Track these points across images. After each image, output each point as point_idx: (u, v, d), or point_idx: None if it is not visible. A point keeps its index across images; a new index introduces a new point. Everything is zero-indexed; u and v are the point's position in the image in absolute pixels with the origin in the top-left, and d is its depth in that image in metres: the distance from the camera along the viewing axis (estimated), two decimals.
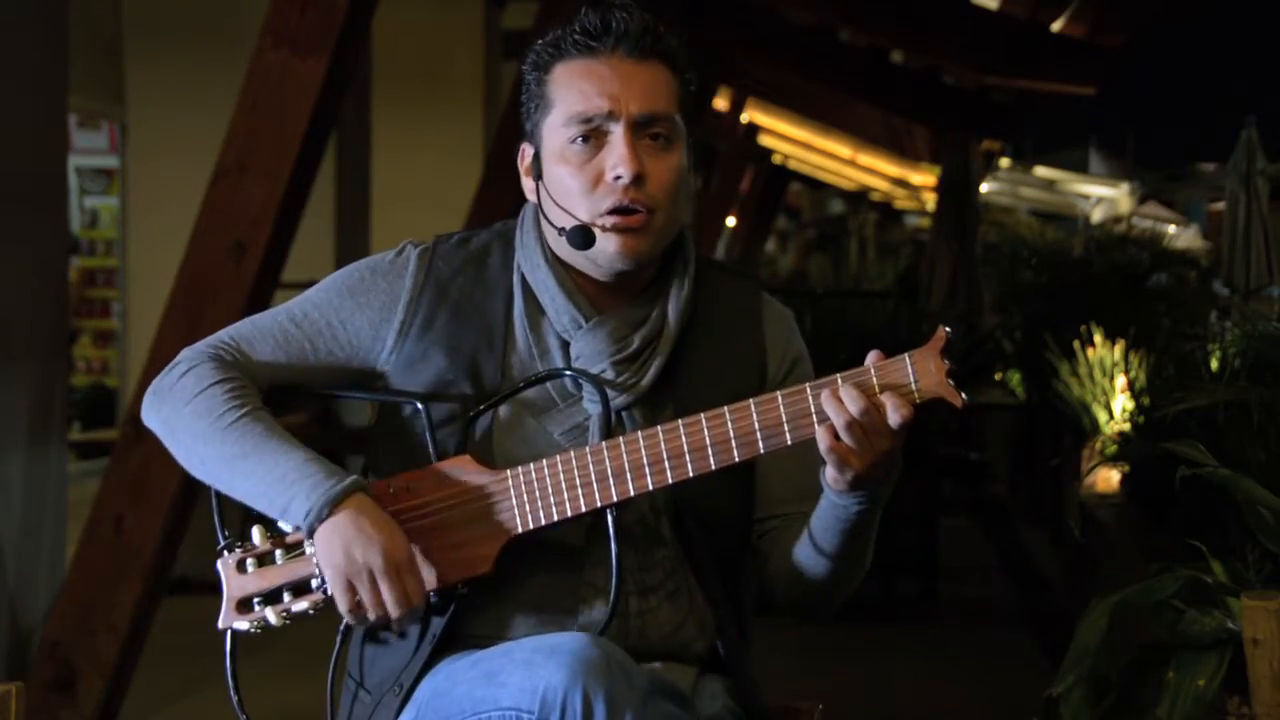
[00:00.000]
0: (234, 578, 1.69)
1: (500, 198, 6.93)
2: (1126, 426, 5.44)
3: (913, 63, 10.45)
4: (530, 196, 1.80)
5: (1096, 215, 17.23)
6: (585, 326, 1.73)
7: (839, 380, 1.59)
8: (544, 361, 1.75)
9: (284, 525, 1.69)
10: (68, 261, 4.64)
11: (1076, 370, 6.43)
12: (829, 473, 1.61)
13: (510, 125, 7.11)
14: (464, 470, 1.67)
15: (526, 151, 1.79)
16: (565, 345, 1.75)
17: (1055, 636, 4.88)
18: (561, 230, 1.72)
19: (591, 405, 1.72)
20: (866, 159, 15.71)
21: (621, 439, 1.64)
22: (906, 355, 1.60)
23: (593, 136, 1.70)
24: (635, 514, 1.71)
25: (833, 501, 1.65)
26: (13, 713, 1.80)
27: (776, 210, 22.93)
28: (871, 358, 1.61)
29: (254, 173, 3.66)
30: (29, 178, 4.06)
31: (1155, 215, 16.25)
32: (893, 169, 15.76)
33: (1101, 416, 6.20)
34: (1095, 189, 18.59)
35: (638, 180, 1.69)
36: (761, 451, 1.62)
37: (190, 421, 1.68)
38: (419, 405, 1.71)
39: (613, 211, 1.69)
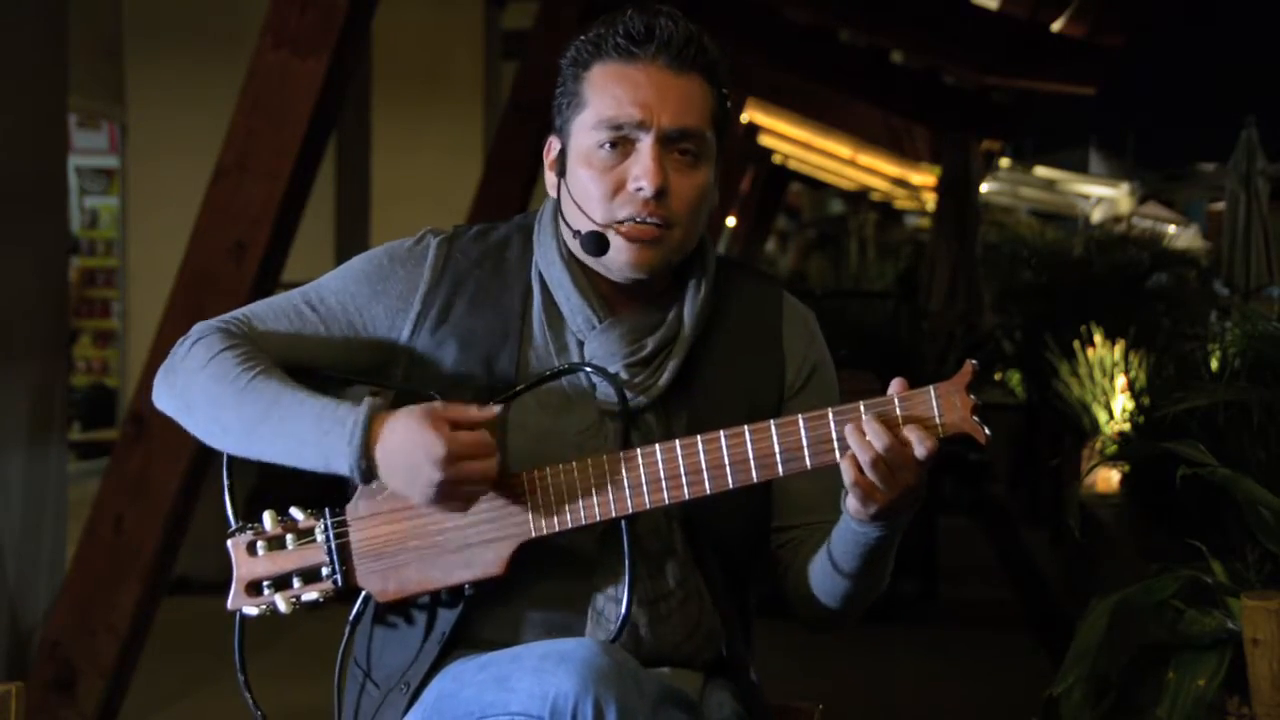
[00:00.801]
0: (244, 560, 1.69)
1: (500, 198, 6.94)
2: (1126, 426, 5.43)
3: (913, 63, 10.46)
4: (551, 191, 1.78)
5: (1096, 215, 17.22)
6: (599, 328, 1.73)
7: (862, 410, 1.58)
8: (561, 358, 1.74)
9: (295, 511, 1.69)
10: (68, 261, 4.64)
11: (1076, 370, 6.43)
12: (851, 504, 1.60)
13: (510, 125, 7.12)
14: None
15: (553, 145, 1.77)
16: (582, 345, 1.74)
17: (1055, 636, 4.88)
18: (576, 233, 1.71)
19: (606, 405, 1.71)
20: (866, 159, 15.70)
21: (640, 451, 1.63)
22: (931, 388, 1.59)
23: (620, 143, 1.68)
24: (649, 524, 1.70)
25: (853, 529, 1.64)
26: (13, 713, 1.80)
27: (776, 210, 22.94)
28: (895, 386, 1.59)
29: (254, 173, 3.65)
30: (29, 178, 4.05)
31: (1155, 215, 16.24)
32: (893, 169, 15.75)
33: (1101, 416, 6.21)
34: (1095, 189, 18.58)
35: (659, 195, 1.67)
36: (780, 474, 1.62)
37: (206, 387, 1.66)
38: (434, 395, 1.69)
39: (628, 221, 1.68)
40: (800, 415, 1.61)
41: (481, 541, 1.66)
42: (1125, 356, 6.13)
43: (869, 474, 1.56)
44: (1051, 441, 7.34)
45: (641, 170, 1.67)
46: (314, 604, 1.68)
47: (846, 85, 10.47)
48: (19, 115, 4.01)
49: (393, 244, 1.81)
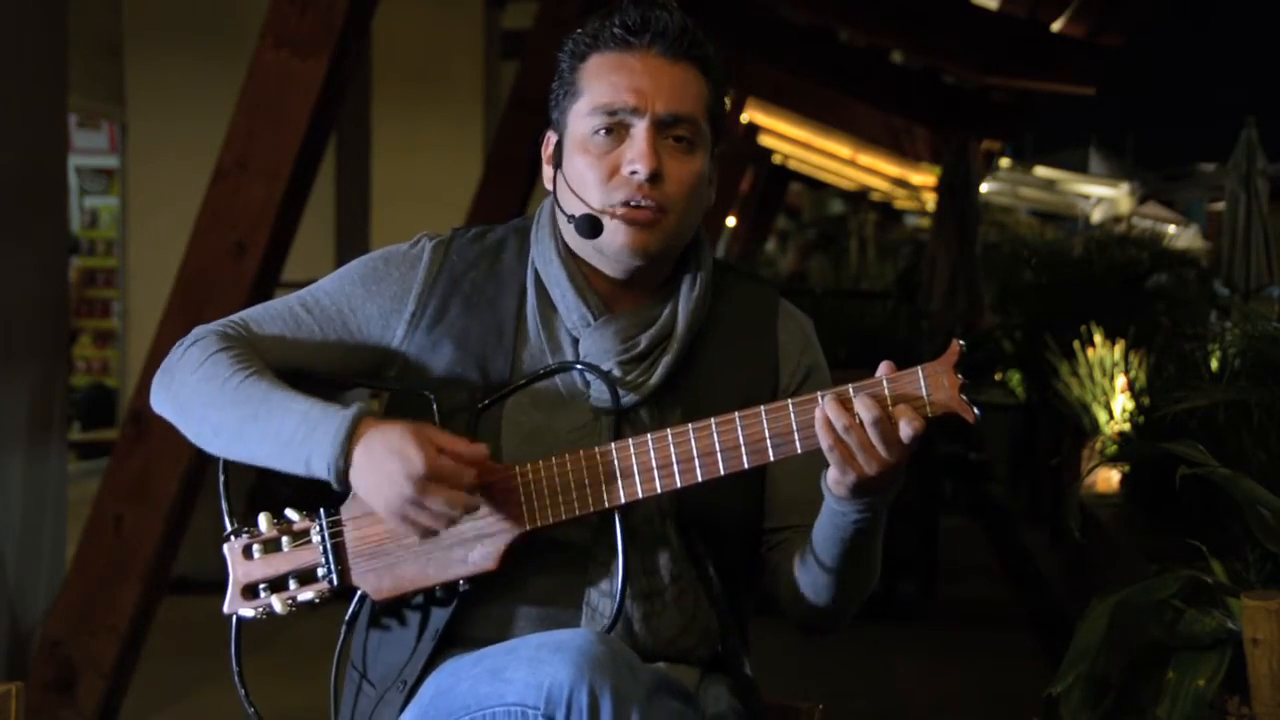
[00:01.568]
0: (239, 563, 1.70)
1: (500, 198, 6.94)
2: (1126, 426, 5.44)
3: (913, 63, 10.46)
4: (548, 184, 1.79)
5: (1096, 215, 17.23)
6: (593, 324, 1.73)
7: (850, 390, 1.59)
8: (556, 357, 1.74)
9: (290, 512, 1.69)
10: (68, 261, 4.64)
11: (1076, 370, 6.42)
12: (831, 475, 1.60)
13: (510, 125, 7.12)
14: None
15: (550, 139, 1.78)
16: (576, 343, 1.75)
17: (1055, 636, 4.88)
18: (571, 217, 1.72)
19: (600, 405, 1.71)
20: (866, 159, 15.70)
21: (631, 441, 1.64)
22: (920, 368, 1.60)
23: (615, 129, 1.70)
24: (642, 516, 1.71)
25: (832, 509, 1.64)
26: (13, 713, 1.80)
27: (776, 210, 22.94)
28: (883, 369, 1.60)
29: (254, 173, 3.66)
30: (29, 178, 4.05)
31: (1155, 215, 16.25)
32: (893, 169, 15.76)
33: (1101, 416, 6.20)
34: (1095, 189, 18.58)
35: (654, 178, 1.68)
36: (772, 459, 1.62)
37: (199, 387, 1.67)
38: (429, 396, 1.70)
39: (624, 205, 1.69)
40: (790, 400, 1.61)
41: (475, 537, 1.66)
42: (1125, 356, 6.13)
43: (854, 447, 1.56)
44: (1051, 441, 7.34)
45: (636, 154, 1.68)
46: (310, 605, 1.69)
47: (846, 85, 10.47)
48: (19, 115, 4.01)
49: (389, 248, 1.83)
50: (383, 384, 1.77)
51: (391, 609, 1.73)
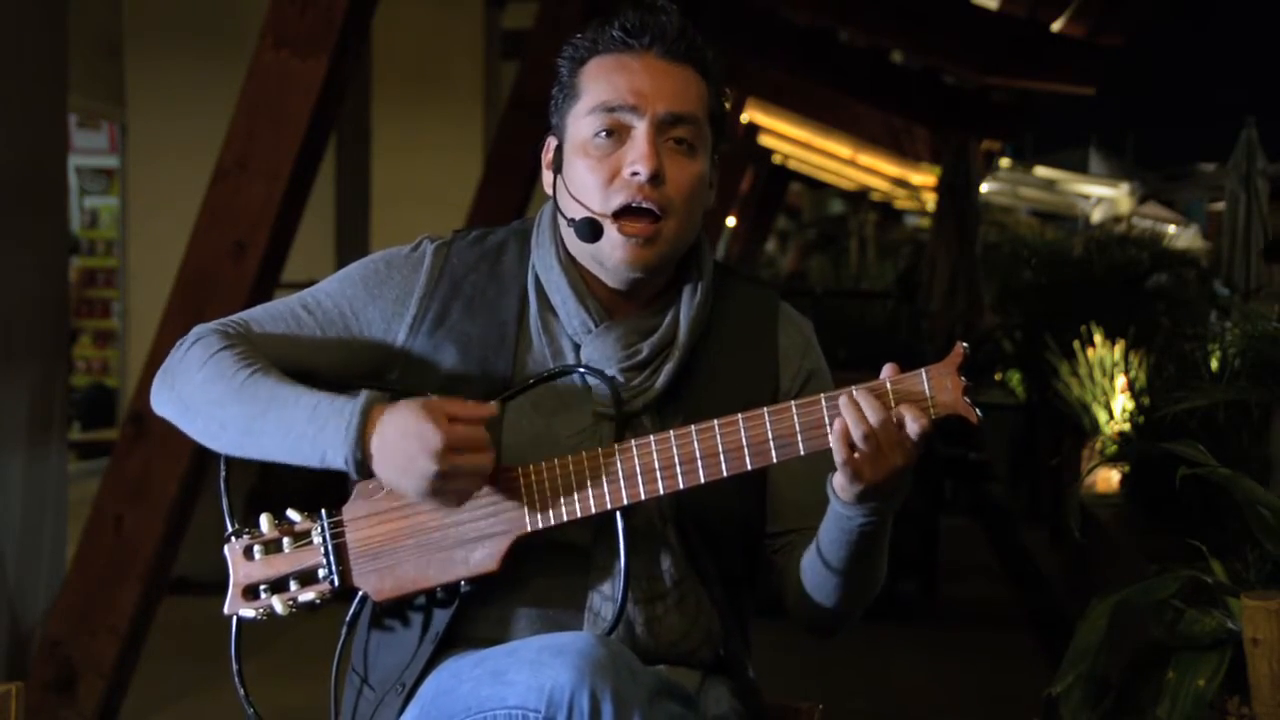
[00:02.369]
0: (240, 564, 1.70)
1: (500, 198, 6.93)
2: (1126, 426, 5.44)
3: (913, 63, 10.46)
4: (548, 189, 1.79)
5: (1096, 215, 17.23)
6: (594, 331, 1.73)
7: (855, 393, 1.59)
8: (557, 361, 1.74)
9: (291, 513, 1.69)
10: (68, 261, 4.64)
11: (1076, 370, 6.42)
12: (838, 480, 1.60)
13: (510, 125, 7.12)
14: None
15: (550, 144, 1.78)
16: (578, 348, 1.74)
17: (1055, 636, 4.88)
18: (571, 221, 1.71)
19: (601, 410, 1.71)
20: (866, 159, 15.71)
21: (633, 442, 1.64)
22: (923, 370, 1.60)
23: (616, 131, 1.70)
24: (644, 521, 1.70)
25: (838, 513, 1.64)
26: (13, 713, 1.80)
27: (776, 210, 22.94)
28: (887, 371, 1.60)
29: (254, 173, 3.66)
30: (29, 178, 4.05)
31: (1155, 215, 16.24)
32: (893, 169, 15.76)
33: (1101, 416, 6.20)
34: (1095, 189, 18.58)
35: (655, 179, 1.68)
36: (774, 460, 1.62)
37: (204, 386, 1.67)
38: (431, 398, 1.69)
39: (624, 210, 1.68)
40: (793, 402, 1.61)
41: (476, 538, 1.66)
42: (1125, 356, 6.13)
43: (860, 447, 1.56)
44: (1051, 441, 7.34)
45: (637, 155, 1.68)
46: (311, 605, 1.68)
47: (846, 85, 10.48)
48: (19, 115, 4.01)
49: (390, 250, 1.82)
50: (385, 386, 1.77)
51: (392, 610, 1.72)
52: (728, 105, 1.79)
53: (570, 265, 1.76)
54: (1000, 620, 5.87)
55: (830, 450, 1.59)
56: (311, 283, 1.84)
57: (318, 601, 1.68)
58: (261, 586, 1.69)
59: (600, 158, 1.70)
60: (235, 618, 1.71)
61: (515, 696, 1.51)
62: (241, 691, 1.73)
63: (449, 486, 1.58)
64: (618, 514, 1.65)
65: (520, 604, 1.69)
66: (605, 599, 1.68)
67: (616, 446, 1.64)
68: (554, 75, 1.77)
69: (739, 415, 1.62)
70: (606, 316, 1.74)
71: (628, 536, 1.65)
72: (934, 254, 9.84)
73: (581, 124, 1.71)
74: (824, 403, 1.60)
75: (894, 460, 1.57)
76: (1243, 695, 2.33)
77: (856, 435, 1.56)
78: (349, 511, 1.70)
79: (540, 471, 1.65)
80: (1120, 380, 6.08)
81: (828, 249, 21.86)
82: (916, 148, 12.40)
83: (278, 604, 1.68)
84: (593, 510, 1.64)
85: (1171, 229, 13.51)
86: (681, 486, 1.63)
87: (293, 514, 1.70)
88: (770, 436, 1.61)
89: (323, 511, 1.70)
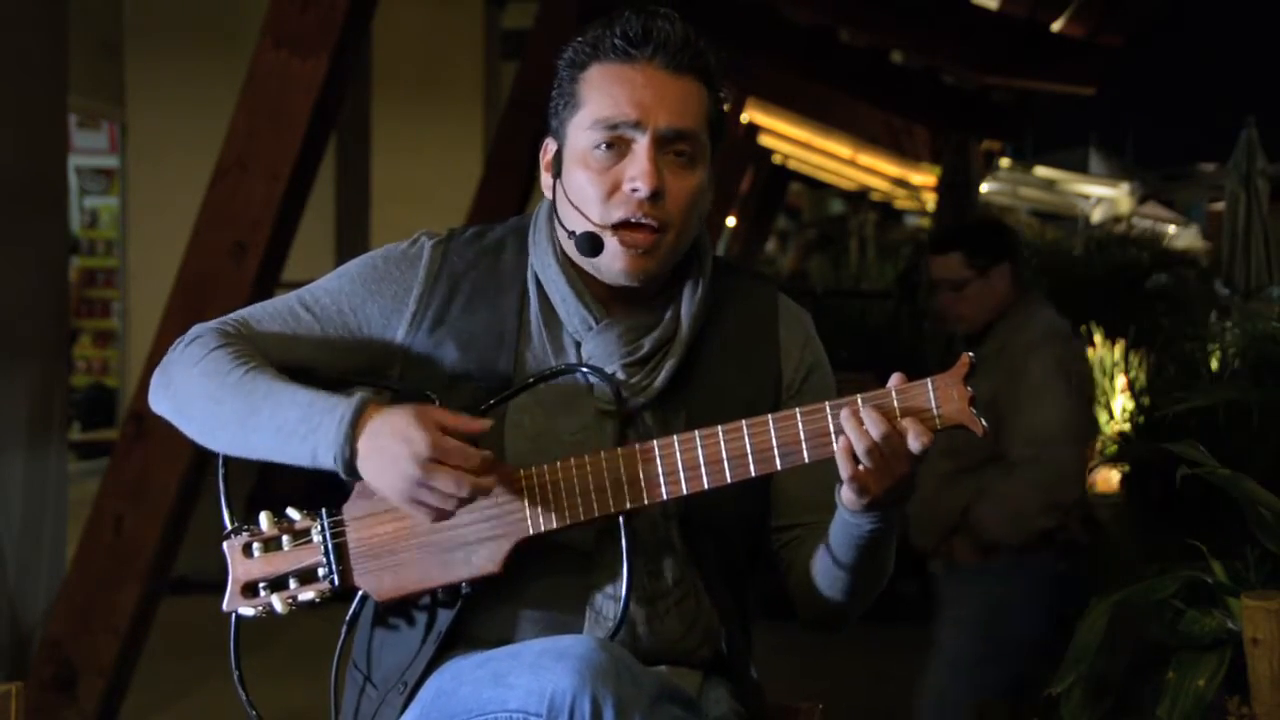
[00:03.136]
0: (239, 561, 1.70)
1: (500, 198, 6.93)
2: (1126, 426, 5.44)
3: (913, 63, 10.45)
4: (547, 193, 1.78)
5: (1096, 215, 17.24)
6: (595, 329, 1.73)
7: (860, 401, 1.59)
8: (558, 359, 1.74)
9: (291, 511, 1.69)
10: (68, 262, 4.64)
11: None
12: (845, 493, 1.60)
13: (510, 125, 7.12)
14: None
15: (549, 147, 1.77)
16: (578, 346, 1.74)
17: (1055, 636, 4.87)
18: (571, 233, 1.71)
19: (603, 408, 1.71)
20: (866, 159, 15.70)
21: (638, 447, 1.64)
22: (929, 380, 1.59)
23: (616, 144, 1.68)
24: (646, 520, 1.70)
25: (846, 520, 1.65)
26: (13, 713, 1.80)
27: (776, 210, 22.94)
28: (894, 380, 1.60)
29: (254, 173, 3.65)
30: (29, 178, 4.05)
31: (1155, 215, 16.26)
32: (893, 169, 15.76)
33: (1101, 416, 6.20)
34: (1095, 189, 18.59)
35: (654, 196, 1.67)
36: (779, 468, 1.62)
37: (199, 383, 1.66)
38: (432, 397, 1.69)
39: (623, 224, 1.68)
40: (798, 409, 1.61)
41: (478, 540, 1.66)
42: (1125, 356, 6.13)
43: (865, 461, 1.56)
44: None
45: (637, 171, 1.67)
46: (311, 604, 1.68)
47: (846, 85, 10.47)
48: (19, 115, 4.01)
49: (388, 247, 1.82)
50: (385, 384, 1.76)
51: (394, 610, 1.72)
52: (727, 108, 1.78)
53: (568, 264, 1.75)
54: None
55: (833, 456, 1.59)
56: (311, 282, 1.84)
57: (317, 600, 1.68)
58: (261, 584, 1.69)
59: (600, 170, 1.69)
60: (234, 615, 1.71)
61: (516, 700, 1.51)
62: (241, 690, 1.73)
63: (426, 497, 1.56)
64: (621, 518, 1.65)
65: (522, 605, 1.69)
66: (608, 600, 1.67)
67: (620, 451, 1.64)
68: (553, 76, 1.76)
69: (743, 422, 1.61)
70: (606, 314, 1.74)
71: (631, 540, 1.65)
72: None
73: (582, 135, 1.70)
74: (829, 411, 1.60)
75: (898, 470, 1.57)
76: (1243, 695, 2.33)
77: (860, 450, 1.56)
78: (349, 511, 1.70)
79: (544, 474, 1.65)
80: (1120, 380, 6.09)
81: (828, 249, 21.85)
82: (916, 148, 12.40)
83: (277, 602, 1.67)
84: (596, 514, 1.64)
85: (1171, 229, 13.52)
86: (685, 492, 1.63)
87: (293, 512, 1.70)
88: (775, 444, 1.61)
89: (323, 510, 1.70)
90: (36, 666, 3.79)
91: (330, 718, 1.77)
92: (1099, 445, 5.95)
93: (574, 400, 1.72)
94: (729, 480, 1.62)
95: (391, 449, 1.56)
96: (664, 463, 1.62)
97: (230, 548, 1.70)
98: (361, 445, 1.58)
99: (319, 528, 1.69)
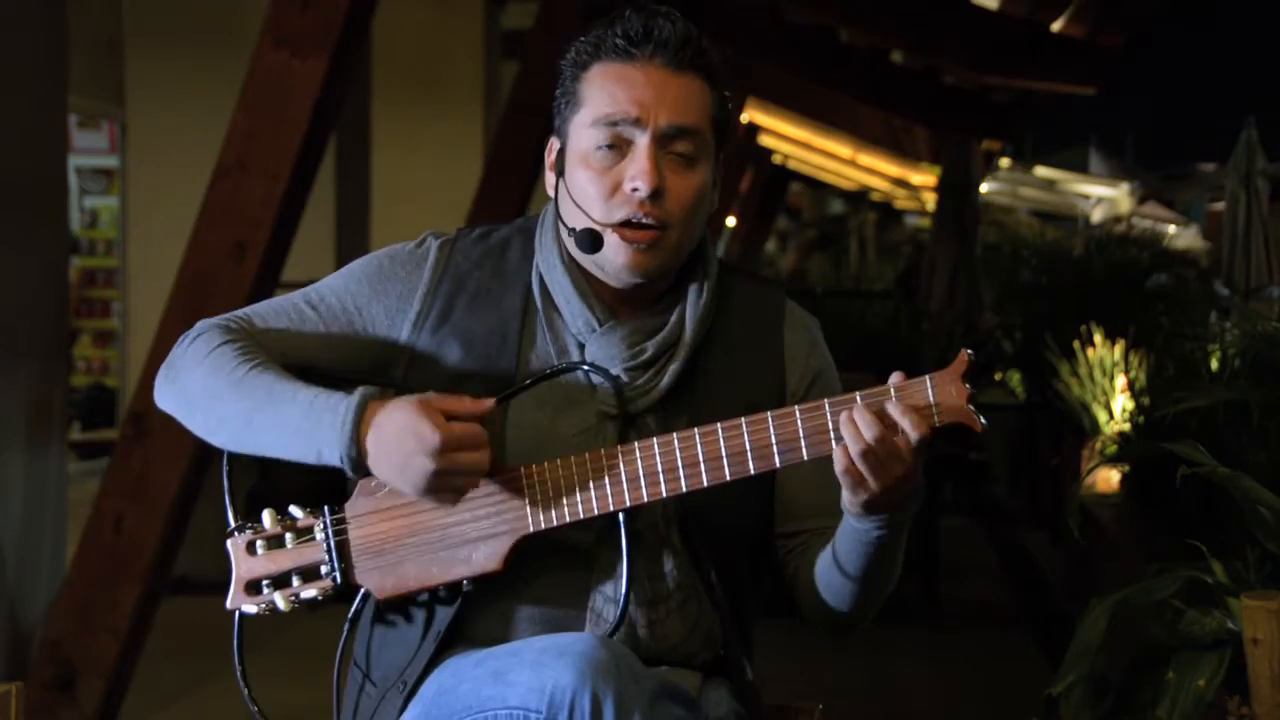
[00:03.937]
0: (243, 559, 1.70)
1: (500, 198, 6.93)
2: (1126, 426, 5.44)
3: (913, 63, 10.46)
4: (550, 191, 1.78)
5: (1096, 215, 17.23)
6: (599, 331, 1.72)
7: (858, 399, 1.58)
8: (561, 360, 1.74)
9: (294, 509, 1.70)
10: (68, 262, 4.64)
11: (1076, 370, 6.43)
12: (845, 495, 1.60)
13: (510, 125, 7.12)
14: None
15: (554, 145, 1.77)
16: (582, 347, 1.74)
17: (1055, 636, 4.88)
18: (571, 231, 1.71)
19: (605, 409, 1.71)
20: (866, 159, 15.71)
21: (637, 444, 1.64)
22: (928, 377, 1.59)
23: (617, 143, 1.68)
24: (647, 523, 1.70)
25: (853, 525, 1.64)
26: (13, 713, 1.81)
27: (776, 210, 22.95)
28: (895, 379, 1.60)
29: (254, 173, 3.65)
30: (29, 178, 4.05)
31: (1155, 215, 16.25)
32: (893, 169, 15.77)
33: (1101, 416, 6.20)
34: (1095, 189, 18.58)
35: (655, 195, 1.67)
36: (778, 465, 1.62)
37: (204, 380, 1.67)
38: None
39: (624, 223, 1.68)
40: (797, 407, 1.61)
41: (479, 538, 1.66)
42: (1125, 356, 6.13)
43: (858, 463, 1.56)
44: (1051, 441, 7.34)
45: (637, 170, 1.67)
46: (313, 602, 1.69)
47: (846, 85, 10.48)
48: (19, 115, 4.01)
49: (394, 246, 1.82)
50: (388, 383, 1.77)
51: (395, 608, 1.72)
52: (732, 109, 1.78)
53: (573, 265, 1.75)
54: (1000, 620, 5.87)
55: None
56: (311, 282, 1.84)
57: (320, 598, 1.69)
58: (264, 582, 1.69)
59: (602, 170, 1.69)
60: (238, 613, 1.71)
61: (516, 697, 1.51)
62: (244, 687, 1.73)
63: (446, 484, 1.58)
64: (621, 515, 1.65)
65: (523, 604, 1.69)
66: (608, 600, 1.68)
67: (620, 448, 1.64)
68: (555, 74, 1.77)
69: (742, 419, 1.61)
70: (610, 316, 1.74)
71: (631, 538, 1.65)
72: (934, 254, 9.84)
73: (584, 135, 1.70)
74: (828, 409, 1.60)
75: (894, 471, 1.57)
76: (1243, 695, 2.33)
77: (854, 451, 1.56)
78: (352, 508, 1.70)
79: (544, 471, 1.65)
80: (1120, 380, 6.09)
81: (828, 249, 21.86)
82: (916, 148, 12.41)
83: (280, 600, 1.68)
84: (595, 511, 1.64)
85: (1171, 229, 13.52)
86: (685, 489, 1.63)
87: (296, 510, 1.70)
88: (774, 441, 1.61)
89: (326, 508, 1.70)
90: (36, 666, 3.79)
91: (332, 717, 1.77)
92: (1099, 445, 5.97)
93: (577, 401, 1.72)
94: (728, 477, 1.62)
95: (402, 446, 1.57)
96: (664, 460, 1.63)
97: (234, 545, 1.70)
98: (369, 444, 1.59)
99: (322, 525, 1.69)
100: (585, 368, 1.71)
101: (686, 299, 1.76)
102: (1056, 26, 7.70)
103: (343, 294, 1.77)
